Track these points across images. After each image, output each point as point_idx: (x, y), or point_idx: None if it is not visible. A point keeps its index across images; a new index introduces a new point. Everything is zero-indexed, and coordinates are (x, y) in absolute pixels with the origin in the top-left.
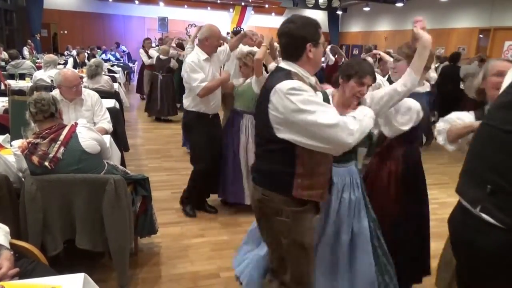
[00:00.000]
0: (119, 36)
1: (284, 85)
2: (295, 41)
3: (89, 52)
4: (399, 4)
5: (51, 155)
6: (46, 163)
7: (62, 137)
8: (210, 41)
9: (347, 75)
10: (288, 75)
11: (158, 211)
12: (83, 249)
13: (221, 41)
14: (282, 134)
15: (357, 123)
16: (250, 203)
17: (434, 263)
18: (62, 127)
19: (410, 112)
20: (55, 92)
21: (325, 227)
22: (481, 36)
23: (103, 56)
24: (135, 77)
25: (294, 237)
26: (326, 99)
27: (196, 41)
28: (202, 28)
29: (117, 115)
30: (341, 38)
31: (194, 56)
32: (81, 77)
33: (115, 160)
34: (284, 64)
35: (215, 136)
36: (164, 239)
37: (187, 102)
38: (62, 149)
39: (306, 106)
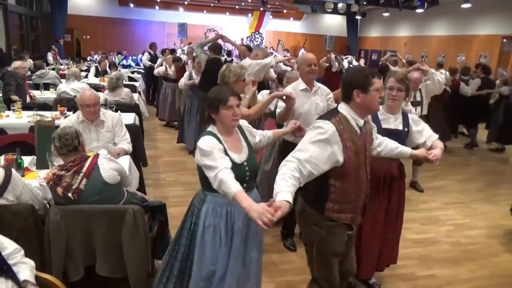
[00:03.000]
0: (140, 41)
1: (317, 121)
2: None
3: (109, 57)
4: (419, 10)
5: (74, 187)
6: (70, 194)
7: (84, 169)
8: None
9: (214, 108)
10: (332, 115)
11: (173, 229)
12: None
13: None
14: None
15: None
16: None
17: None
18: (85, 159)
19: None
20: (78, 113)
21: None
22: (504, 40)
23: (124, 62)
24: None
25: (325, 245)
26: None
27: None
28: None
29: (136, 132)
30: (360, 43)
31: None
32: (103, 87)
33: (134, 180)
34: (341, 105)
35: None
36: None
37: None
38: (84, 180)
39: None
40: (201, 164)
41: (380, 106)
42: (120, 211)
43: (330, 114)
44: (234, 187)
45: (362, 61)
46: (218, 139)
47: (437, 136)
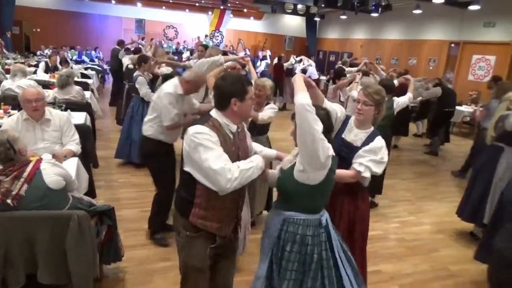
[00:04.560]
0: (95, 36)
1: (192, 129)
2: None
3: (61, 52)
4: (374, 14)
5: (14, 192)
6: (9, 201)
7: (25, 174)
8: (191, 85)
9: None
10: (205, 121)
11: (125, 232)
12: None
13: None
14: (187, 167)
15: (238, 172)
16: None
17: (386, 286)
18: (26, 164)
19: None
20: (22, 112)
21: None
22: (453, 45)
23: (76, 57)
24: (109, 79)
25: (184, 257)
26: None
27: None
28: (192, 71)
29: (87, 132)
30: (319, 44)
31: (172, 87)
32: (52, 84)
33: (83, 183)
34: (213, 111)
35: (172, 164)
36: (129, 263)
37: (151, 130)
38: (25, 186)
39: (199, 148)
40: None
41: (353, 116)
42: (64, 216)
43: (203, 119)
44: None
45: (311, 61)
46: None
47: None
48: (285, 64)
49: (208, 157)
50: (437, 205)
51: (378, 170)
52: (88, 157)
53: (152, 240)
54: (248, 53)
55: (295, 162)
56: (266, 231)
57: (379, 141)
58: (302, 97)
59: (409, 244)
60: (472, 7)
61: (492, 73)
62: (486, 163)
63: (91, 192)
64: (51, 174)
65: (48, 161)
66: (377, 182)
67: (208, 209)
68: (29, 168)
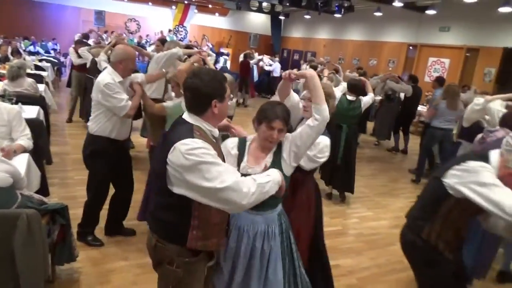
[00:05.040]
0: (51, 26)
1: (183, 145)
2: (199, 97)
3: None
4: (337, 15)
5: None
6: None
7: None
8: (124, 64)
9: (258, 120)
10: (190, 131)
11: None
12: None
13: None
14: (178, 189)
15: (256, 186)
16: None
17: (345, 280)
18: None
19: (326, 148)
20: None
21: (233, 273)
22: (411, 48)
23: (31, 48)
24: (66, 72)
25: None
26: (242, 145)
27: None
28: (116, 49)
29: (39, 127)
30: (283, 43)
31: (108, 77)
32: (2, 76)
33: (34, 181)
34: (187, 117)
35: (126, 163)
36: (84, 264)
37: (97, 126)
38: None
39: (201, 166)
40: None
41: None
42: (12, 216)
43: (185, 130)
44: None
45: (271, 61)
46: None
47: None
48: (251, 62)
49: (215, 174)
50: (395, 200)
51: (307, 165)
52: (40, 153)
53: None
54: (212, 48)
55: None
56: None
57: (320, 138)
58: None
59: (367, 239)
60: (429, 12)
61: (447, 76)
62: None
63: (43, 189)
64: None
65: None
66: (347, 179)
67: (207, 227)
68: None
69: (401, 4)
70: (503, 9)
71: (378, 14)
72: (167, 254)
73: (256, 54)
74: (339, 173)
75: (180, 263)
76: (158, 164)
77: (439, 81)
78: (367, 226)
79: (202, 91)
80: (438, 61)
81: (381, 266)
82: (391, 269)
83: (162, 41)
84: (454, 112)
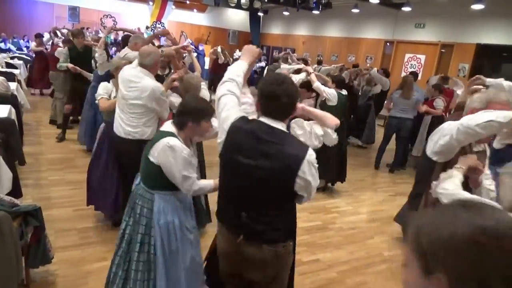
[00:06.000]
0: (23, 23)
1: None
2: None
3: None
4: (315, 12)
5: None
6: None
7: None
8: (158, 65)
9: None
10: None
11: (56, 232)
12: None
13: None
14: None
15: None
16: None
17: (325, 274)
18: None
19: None
20: None
21: None
22: (388, 44)
23: (2, 45)
24: None
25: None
26: None
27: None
28: (151, 52)
29: (11, 126)
30: (262, 39)
31: (156, 83)
32: None
33: (5, 183)
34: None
35: None
36: (61, 266)
37: (150, 130)
38: None
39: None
40: (176, 173)
41: None
42: None
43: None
44: (207, 183)
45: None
46: (181, 143)
47: None
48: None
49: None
50: (373, 195)
51: None
52: (12, 154)
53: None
54: (193, 43)
55: None
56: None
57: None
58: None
59: (346, 233)
60: (405, 8)
61: (422, 71)
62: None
63: (15, 191)
64: None
65: None
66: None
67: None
68: None
69: (377, 1)
70: (476, 6)
71: (355, 10)
72: (287, 250)
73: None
74: (333, 166)
75: (288, 248)
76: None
77: (413, 76)
78: (347, 220)
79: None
80: (414, 57)
81: (360, 260)
82: (370, 262)
83: (124, 40)
84: (408, 101)
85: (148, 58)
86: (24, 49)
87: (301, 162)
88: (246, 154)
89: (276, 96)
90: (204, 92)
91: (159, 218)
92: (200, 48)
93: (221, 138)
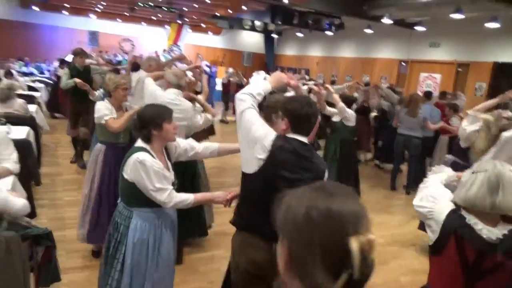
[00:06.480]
0: (45, 47)
1: None
2: None
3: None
4: (329, 33)
5: None
6: None
7: None
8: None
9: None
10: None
11: (68, 252)
12: None
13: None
14: None
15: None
16: None
17: None
18: None
19: None
20: None
21: None
22: (403, 63)
23: (24, 69)
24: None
25: None
26: None
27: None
28: (179, 75)
29: (28, 148)
30: (277, 60)
31: (173, 91)
32: None
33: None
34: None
35: None
36: (71, 287)
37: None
38: None
39: None
40: (149, 186)
41: None
42: None
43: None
44: (187, 196)
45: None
46: (153, 156)
47: None
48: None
49: None
50: (389, 217)
51: None
52: (28, 174)
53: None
54: (209, 66)
55: None
56: None
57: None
58: None
59: None
60: (418, 28)
61: (439, 90)
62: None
63: (30, 212)
64: None
65: None
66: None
67: None
68: None
69: (390, 21)
70: (490, 25)
71: (368, 31)
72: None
73: (230, 69)
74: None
75: None
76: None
77: (427, 95)
78: None
79: None
80: (429, 76)
81: (376, 286)
82: None
83: (135, 66)
84: (414, 119)
85: (182, 80)
86: (46, 72)
87: (325, 172)
88: (292, 170)
89: (308, 117)
90: (198, 118)
91: (134, 235)
92: (213, 69)
93: (261, 155)
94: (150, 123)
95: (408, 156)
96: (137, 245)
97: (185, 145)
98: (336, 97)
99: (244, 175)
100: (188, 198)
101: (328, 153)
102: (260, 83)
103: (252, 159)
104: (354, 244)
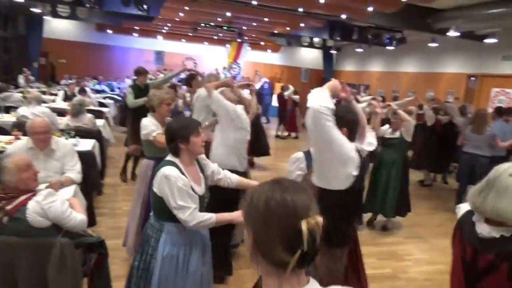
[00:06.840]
0: (117, 67)
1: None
2: None
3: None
4: (390, 47)
5: None
6: None
7: (10, 207)
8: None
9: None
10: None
11: (122, 261)
12: None
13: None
14: None
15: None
16: None
17: None
18: (16, 197)
19: None
20: (28, 139)
21: None
22: (471, 78)
23: (97, 87)
24: None
25: None
26: None
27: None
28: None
29: (91, 159)
30: (335, 76)
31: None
32: (67, 112)
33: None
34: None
35: None
36: None
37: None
38: (6, 218)
39: None
40: (172, 202)
41: None
42: (46, 244)
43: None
44: (209, 216)
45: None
46: (181, 170)
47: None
48: (285, 94)
49: None
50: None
51: None
52: (91, 184)
53: None
54: (269, 83)
55: None
56: None
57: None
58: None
59: (420, 284)
60: (488, 40)
61: None
62: None
63: (89, 219)
64: (33, 215)
65: (37, 200)
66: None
67: None
68: (17, 201)
69: (457, 34)
70: None
71: (433, 45)
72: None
73: (290, 86)
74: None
75: None
76: None
77: (498, 111)
78: (421, 270)
79: None
80: (502, 91)
81: None
82: None
83: (190, 78)
84: (480, 136)
85: (232, 95)
86: (116, 90)
87: None
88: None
89: (358, 125)
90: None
91: (164, 249)
92: (265, 86)
93: (355, 171)
94: (177, 136)
95: (476, 176)
96: (167, 259)
97: (213, 167)
98: (402, 113)
99: (329, 192)
100: (210, 217)
101: (381, 176)
102: (325, 95)
103: (346, 176)
104: (304, 226)
